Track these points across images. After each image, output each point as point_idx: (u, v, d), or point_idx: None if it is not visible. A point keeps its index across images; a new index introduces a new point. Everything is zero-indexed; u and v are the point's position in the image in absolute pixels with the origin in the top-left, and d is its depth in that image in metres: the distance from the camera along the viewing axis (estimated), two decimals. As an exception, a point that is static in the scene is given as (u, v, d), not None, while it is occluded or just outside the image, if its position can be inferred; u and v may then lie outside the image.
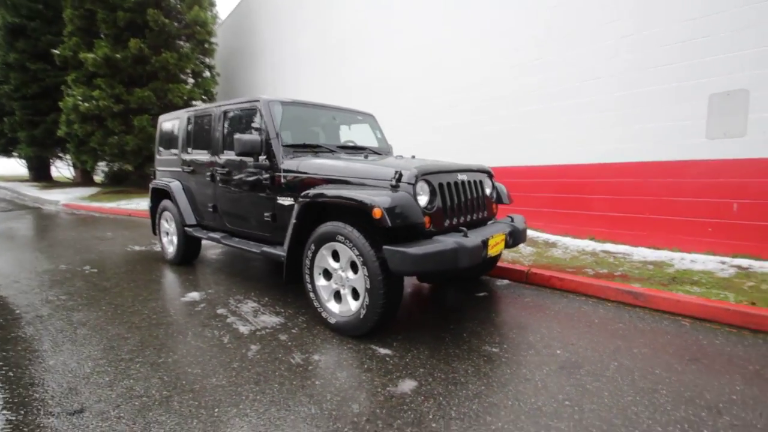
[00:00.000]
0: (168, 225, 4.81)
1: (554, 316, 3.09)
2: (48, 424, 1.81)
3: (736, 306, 2.91)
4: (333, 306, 2.82)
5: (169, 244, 4.86)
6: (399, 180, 2.60)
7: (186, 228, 4.40)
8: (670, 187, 4.54)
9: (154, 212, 5.02)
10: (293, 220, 2.95)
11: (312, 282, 2.90)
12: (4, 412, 1.90)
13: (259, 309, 3.26)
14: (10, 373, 2.25)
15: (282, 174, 3.25)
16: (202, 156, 4.20)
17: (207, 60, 13.42)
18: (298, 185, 3.15)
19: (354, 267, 2.67)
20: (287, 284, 3.35)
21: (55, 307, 3.30)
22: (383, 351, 2.51)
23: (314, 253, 2.85)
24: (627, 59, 4.80)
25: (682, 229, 4.46)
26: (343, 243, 2.62)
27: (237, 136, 3.32)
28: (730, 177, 4.10)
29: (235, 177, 3.71)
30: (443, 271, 2.47)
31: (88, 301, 3.44)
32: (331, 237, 2.70)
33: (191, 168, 4.33)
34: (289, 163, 3.24)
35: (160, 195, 4.94)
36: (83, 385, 2.12)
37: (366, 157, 3.57)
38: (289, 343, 2.63)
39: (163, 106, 11.90)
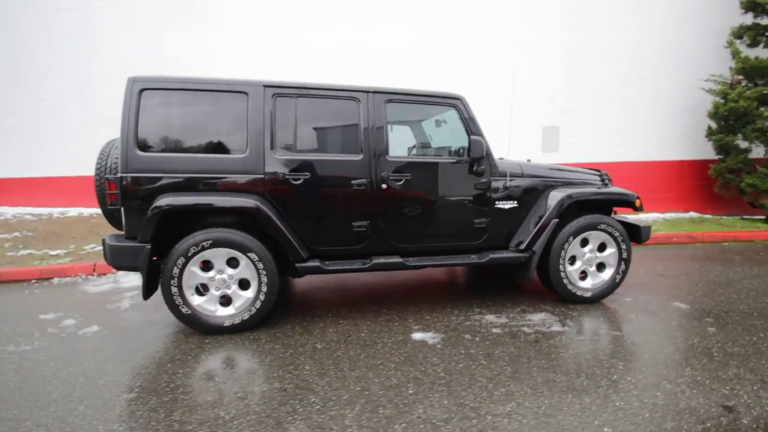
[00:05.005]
0: (208, 273, 2.81)
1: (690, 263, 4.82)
2: None
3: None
4: (583, 284, 3.42)
5: (213, 303, 2.86)
6: (606, 179, 3.64)
7: (302, 265, 2.89)
8: (525, 181, 7.50)
9: (153, 256, 2.74)
10: (554, 219, 3.21)
11: (564, 270, 3.33)
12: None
13: (508, 315, 3.16)
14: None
15: (508, 178, 3.27)
16: (335, 158, 2.96)
17: None
18: (526, 188, 3.35)
19: (602, 246, 3.43)
20: (528, 282, 3.38)
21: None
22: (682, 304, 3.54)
23: (570, 244, 3.31)
24: (501, 101, 7.29)
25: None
26: (603, 230, 3.34)
27: (474, 137, 3.02)
28: (554, 173, 7.44)
29: (437, 183, 3.16)
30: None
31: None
32: (591, 226, 3.32)
33: (306, 174, 2.89)
34: (510, 166, 3.32)
35: (179, 222, 2.79)
36: None
37: None
38: (610, 321, 3.11)
39: None
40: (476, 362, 2.45)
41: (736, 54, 6.39)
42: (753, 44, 6.50)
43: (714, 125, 6.79)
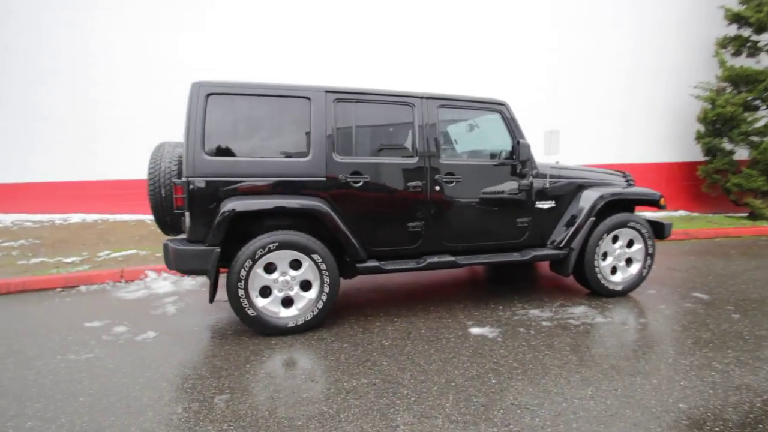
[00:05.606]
0: (271, 275, 2.86)
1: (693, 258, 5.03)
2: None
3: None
4: (614, 278, 3.64)
5: (276, 304, 2.91)
6: (630, 179, 3.91)
7: (363, 265, 2.99)
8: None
9: (220, 259, 2.76)
10: (591, 218, 3.43)
11: (598, 265, 3.55)
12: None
13: (551, 309, 3.35)
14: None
15: (548, 179, 3.47)
16: (391, 161, 3.08)
17: None
18: (562, 188, 3.59)
19: (630, 243, 3.67)
20: (566, 276, 3.57)
21: None
22: (701, 295, 3.81)
23: (603, 241, 3.53)
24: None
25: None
26: (632, 227, 3.59)
27: (523, 141, 3.25)
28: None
29: (485, 185, 3.33)
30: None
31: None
32: (622, 224, 3.56)
33: (366, 177, 2.98)
34: (549, 169, 3.54)
35: (238, 226, 2.80)
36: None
37: None
38: (644, 312, 3.35)
39: None
40: (541, 353, 2.62)
41: (722, 63, 6.91)
42: (737, 54, 7.05)
43: (702, 129, 7.30)
